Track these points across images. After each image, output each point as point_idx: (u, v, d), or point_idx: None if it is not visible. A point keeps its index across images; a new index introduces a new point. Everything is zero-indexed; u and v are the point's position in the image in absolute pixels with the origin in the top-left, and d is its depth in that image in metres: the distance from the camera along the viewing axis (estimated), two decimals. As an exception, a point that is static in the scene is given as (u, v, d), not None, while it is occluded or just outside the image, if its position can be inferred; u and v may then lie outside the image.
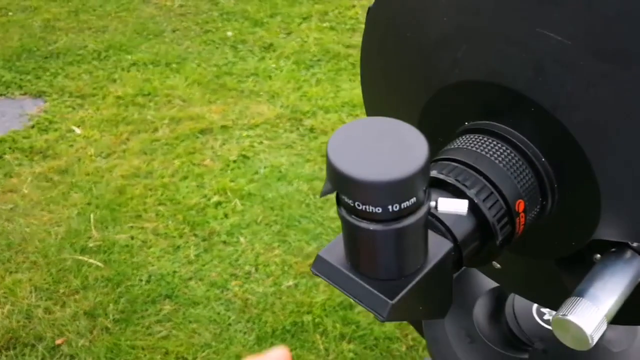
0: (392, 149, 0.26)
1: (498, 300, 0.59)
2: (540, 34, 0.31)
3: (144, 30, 2.41)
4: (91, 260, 1.58)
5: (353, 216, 0.27)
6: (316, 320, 1.42)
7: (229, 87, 2.14)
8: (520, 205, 0.33)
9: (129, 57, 2.27)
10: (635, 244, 0.35)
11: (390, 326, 1.41)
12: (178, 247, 1.63)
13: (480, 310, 0.58)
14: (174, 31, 2.41)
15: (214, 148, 1.91)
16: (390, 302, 0.27)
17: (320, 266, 0.30)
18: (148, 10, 2.53)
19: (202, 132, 1.97)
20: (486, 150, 0.33)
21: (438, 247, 0.30)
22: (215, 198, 1.74)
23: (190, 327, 1.45)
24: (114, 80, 2.18)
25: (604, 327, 0.33)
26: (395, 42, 0.39)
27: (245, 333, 1.43)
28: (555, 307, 0.35)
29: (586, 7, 0.29)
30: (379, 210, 0.26)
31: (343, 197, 0.26)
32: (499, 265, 0.43)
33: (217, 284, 1.54)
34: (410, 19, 0.38)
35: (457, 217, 0.31)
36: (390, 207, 0.26)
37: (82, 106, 2.08)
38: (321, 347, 1.38)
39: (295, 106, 2.05)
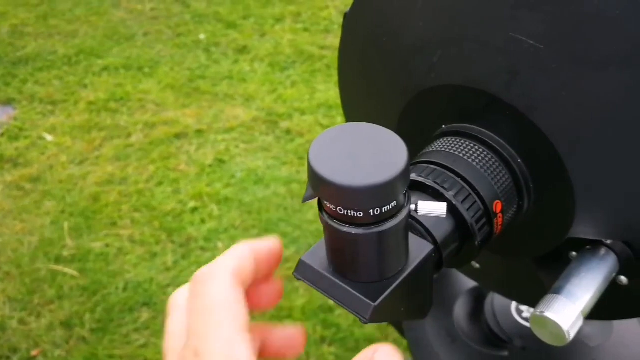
0: (372, 154, 0.26)
1: (478, 299, 0.60)
2: (514, 38, 0.31)
3: (115, 34, 2.38)
4: (66, 270, 1.55)
5: (335, 221, 0.27)
6: (296, 323, 1.42)
7: (203, 91, 2.12)
8: (497, 206, 0.34)
9: (100, 62, 2.24)
10: (609, 242, 0.35)
11: (370, 328, 1.42)
12: (155, 254, 1.61)
13: (460, 309, 0.59)
14: (145, 35, 2.38)
15: (189, 153, 1.90)
16: (372, 304, 0.28)
17: (303, 270, 0.30)
18: (119, 14, 2.50)
19: (177, 136, 1.95)
20: (463, 152, 0.34)
21: (419, 249, 0.30)
22: (192, 203, 1.73)
23: (169, 334, 1.44)
24: (86, 86, 2.15)
25: (581, 322, 0.33)
26: (372, 47, 0.39)
27: (225, 338, 1.43)
28: (533, 304, 0.36)
29: (558, 11, 0.30)
30: (360, 214, 0.26)
31: (325, 202, 0.26)
32: (478, 265, 0.43)
33: (195, 290, 1.53)
34: (386, 24, 0.38)
35: (437, 219, 0.32)
36: (371, 211, 0.26)
37: (53, 113, 2.05)
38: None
39: (271, 109, 2.05)
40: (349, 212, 0.26)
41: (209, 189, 1.77)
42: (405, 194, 0.27)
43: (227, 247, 1.63)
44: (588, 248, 0.36)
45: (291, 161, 1.86)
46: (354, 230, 0.26)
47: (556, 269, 0.37)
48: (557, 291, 0.34)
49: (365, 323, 0.28)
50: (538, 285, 0.39)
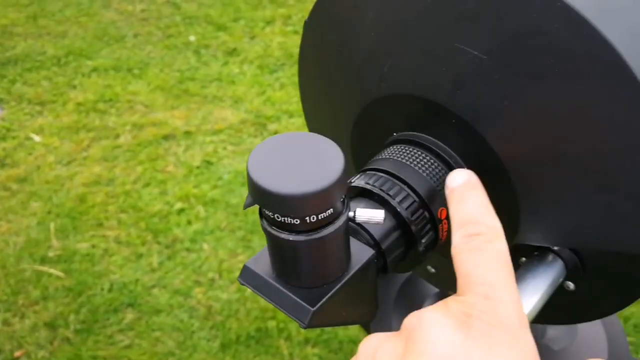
0: (310, 162, 0.26)
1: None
2: (458, 48, 0.32)
3: (104, 35, 2.38)
4: (51, 270, 1.56)
5: (274, 227, 0.27)
6: (280, 325, 1.42)
7: (192, 93, 2.13)
8: (442, 213, 0.35)
9: (90, 62, 2.24)
10: (556, 248, 0.36)
11: (354, 329, 1.42)
12: (141, 255, 1.61)
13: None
14: (135, 36, 2.39)
15: (177, 154, 1.90)
16: (311, 309, 0.28)
17: (247, 276, 0.30)
18: (109, 15, 2.50)
19: (165, 138, 1.96)
20: (411, 160, 0.35)
21: (360, 254, 0.31)
22: (179, 205, 1.73)
23: (154, 336, 1.44)
24: (74, 87, 2.15)
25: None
26: (327, 55, 0.40)
27: (209, 340, 1.43)
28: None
29: (498, 23, 0.31)
30: (297, 221, 0.27)
31: (264, 209, 0.27)
32: (433, 270, 0.44)
33: (180, 292, 1.53)
34: (340, 33, 0.39)
35: (382, 225, 0.32)
36: (307, 218, 0.26)
37: (41, 113, 2.05)
38: (285, 352, 1.38)
39: (259, 111, 2.06)
40: (287, 219, 0.27)
41: (196, 190, 1.77)
42: (343, 201, 0.28)
43: (212, 248, 1.64)
44: (536, 254, 0.37)
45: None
46: (291, 237, 0.27)
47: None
48: (503, 297, 0.35)
49: (305, 328, 0.28)
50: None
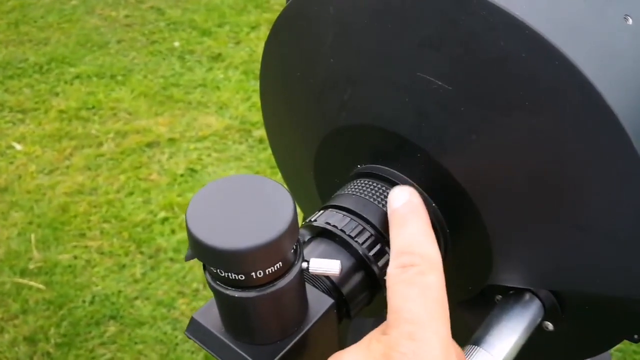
0: (255, 211, 0.24)
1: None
2: (422, 78, 0.30)
3: (87, 41, 2.35)
4: (32, 283, 1.52)
5: (217, 282, 0.25)
6: (265, 337, 1.40)
7: (176, 99, 2.10)
8: (410, 254, 0.32)
9: (72, 69, 2.21)
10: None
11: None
12: (123, 265, 1.59)
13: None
14: (119, 42, 2.35)
15: (160, 162, 1.87)
16: None
17: (194, 329, 0.28)
18: (92, 21, 2.46)
19: (149, 145, 1.93)
20: (374, 196, 0.32)
21: (319, 304, 0.28)
22: (162, 214, 1.70)
23: (136, 349, 1.41)
24: (57, 94, 2.11)
25: (500, 374, 0.32)
26: (287, 81, 0.38)
27: (192, 352, 1.40)
28: (463, 345, 0.35)
29: (464, 53, 0.28)
30: (242, 277, 0.24)
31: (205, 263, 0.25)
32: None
33: (163, 303, 1.50)
34: (299, 58, 0.36)
35: (343, 270, 0.30)
36: (253, 274, 0.24)
37: (23, 121, 2.01)
38: (270, 364, 1.36)
39: (244, 117, 2.03)
40: (230, 274, 0.24)
41: (180, 199, 1.74)
42: (295, 250, 0.25)
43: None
44: (512, 293, 0.35)
45: (263, 170, 1.84)
46: (237, 294, 0.25)
47: (481, 313, 0.35)
48: (477, 342, 0.33)
49: None
50: (467, 328, 0.38)
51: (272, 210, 0.24)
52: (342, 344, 0.31)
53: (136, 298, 1.52)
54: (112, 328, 1.45)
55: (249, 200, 0.24)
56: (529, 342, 0.34)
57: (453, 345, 0.28)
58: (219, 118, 2.02)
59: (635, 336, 0.32)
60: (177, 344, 1.42)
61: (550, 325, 0.35)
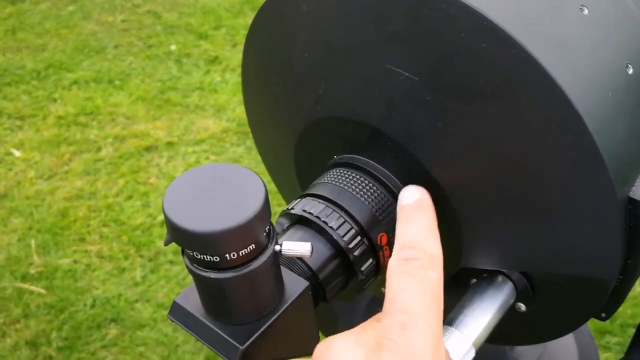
0: (228, 196, 0.26)
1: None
2: (390, 70, 0.31)
3: (85, 47, 2.36)
4: (33, 288, 1.54)
5: (195, 265, 0.26)
6: (264, 336, 1.41)
7: (174, 102, 2.11)
8: (383, 239, 0.34)
9: (70, 75, 2.23)
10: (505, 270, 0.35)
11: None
12: (123, 269, 1.60)
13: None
14: (116, 47, 2.37)
15: (159, 165, 1.89)
16: (240, 347, 0.27)
17: (176, 312, 0.29)
18: (89, 27, 2.48)
19: (147, 149, 1.94)
20: (349, 184, 0.34)
21: (294, 286, 0.30)
22: (161, 217, 1.72)
23: (138, 351, 1.42)
24: (55, 100, 2.13)
25: (472, 354, 0.33)
26: (266, 76, 0.39)
27: (193, 354, 1.42)
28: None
29: (428, 45, 0.30)
30: (216, 259, 0.26)
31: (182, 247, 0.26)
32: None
33: (164, 305, 1.51)
34: (276, 53, 0.38)
35: (319, 254, 0.32)
36: (228, 255, 0.25)
37: (21, 128, 2.03)
38: (269, 363, 1.37)
39: (242, 119, 2.04)
40: (206, 257, 0.26)
41: (178, 202, 1.76)
42: (268, 234, 0.27)
43: (195, 260, 1.62)
44: (485, 276, 0.36)
45: (262, 172, 1.85)
46: (213, 275, 0.26)
47: (457, 295, 0.37)
48: (450, 322, 0.34)
49: None
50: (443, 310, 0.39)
51: (244, 196, 0.25)
52: (318, 334, 0.32)
53: (136, 301, 1.53)
54: (113, 331, 1.46)
55: (224, 187, 0.26)
56: (503, 322, 0.35)
57: (443, 343, 0.29)
58: (217, 121, 2.04)
59: (603, 314, 0.33)
60: (177, 346, 1.43)
61: (522, 306, 0.36)
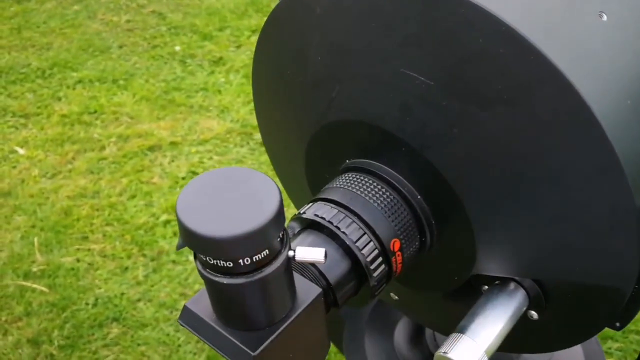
0: (242, 201, 0.25)
1: (418, 324, 0.59)
2: (405, 74, 0.31)
3: (89, 46, 2.36)
4: (35, 286, 1.54)
5: (207, 270, 0.26)
6: (266, 338, 1.41)
7: (178, 103, 2.11)
8: (395, 245, 0.33)
9: (75, 74, 2.22)
10: (518, 277, 0.35)
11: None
12: (126, 268, 1.60)
13: (400, 334, 0.58)
14: (121, 47, 2.37)
15: (162, 165, 1.89)
16: (252, 354, 0.27)
17: (186, 317, 0.29)
18: (94, 26, 2.48)
19: (151, 149, 1.94)
20: (362, 189, 0.33)
21: (307, 292, 0.29)
22: (164, 216, 1.72)
23: (139, 350, 1.42)
24: (59, 99, 2.13)
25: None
26: (278, 79, 0.39)
27: (195, 354, 1.41)
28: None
29: (444, 49, 0.30)
30: (230, 264, 0.25)
31: (194, 251, 0.26)
32: (396, 297, 0.43)
33: (166, 305, 1.51)
34: (289, 57, 0.37)
35: (331, 259, 0.31)
36: (241, 261, 0.25)
37: (25, 126, 2.03)
38: (271, 365, 1.36)
39: (246, 120, 2.04)
40: (219, 262, 0.25)
41: (181, 202, 1.75)
42: (282, 239, 0.27)
43: (198, 261, 1.61)
44: (497, 283, 0.36)
45: (265, 173, 1.85)
46: (225, 280, 0.26)
47: (468, 302, 0.36)
48: (462, 330, 0.34)
49: None
50: (454, 317, 0.38)
51: (258, 201, 0.25)
52: (329, 340, 0.32)
53: (139, 300, 1.53)
54: (115, 330, 1.46)
55: (237, 191, 0.25)
56: (515, 330, 0.35)
57: None
58: (220, 121, 2.04)
59: (617, 324, 0.33)
60: (179, 346, 1.43)
61: (534, 314, 0.36)
